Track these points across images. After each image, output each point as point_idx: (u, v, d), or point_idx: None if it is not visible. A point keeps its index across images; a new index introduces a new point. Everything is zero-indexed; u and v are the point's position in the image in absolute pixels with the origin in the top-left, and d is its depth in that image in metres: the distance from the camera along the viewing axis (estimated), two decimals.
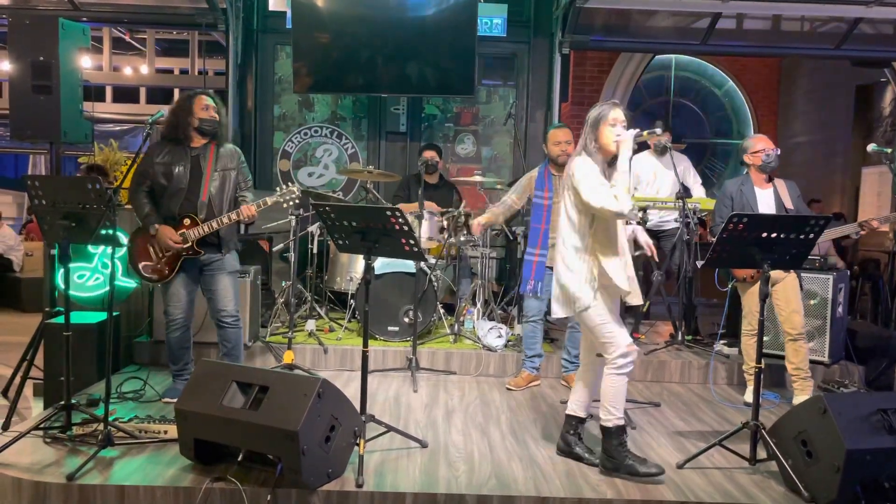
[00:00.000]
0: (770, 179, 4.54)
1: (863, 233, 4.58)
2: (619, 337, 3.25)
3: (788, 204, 4.46)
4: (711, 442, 3.53)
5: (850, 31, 6.76)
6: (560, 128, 4.72)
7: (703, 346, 5.55)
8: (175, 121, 4.11)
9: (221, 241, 4.15)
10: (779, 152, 4.53)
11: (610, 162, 3.26)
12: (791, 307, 4.44)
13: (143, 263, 4.13)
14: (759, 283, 4.43)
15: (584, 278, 3.24)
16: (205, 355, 4.55)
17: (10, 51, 4.63)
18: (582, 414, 3.51)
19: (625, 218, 3.21)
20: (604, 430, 3.31)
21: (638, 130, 3.25)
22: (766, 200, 4.49)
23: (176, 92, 11.00)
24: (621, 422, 3.29)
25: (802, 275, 4.72)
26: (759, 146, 4.48)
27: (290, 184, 4.24)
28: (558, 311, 3.35)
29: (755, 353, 3.63)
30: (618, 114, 3.25)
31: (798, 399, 4.35)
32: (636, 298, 3.33)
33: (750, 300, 4.52)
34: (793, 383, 4.51)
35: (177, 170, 4.06)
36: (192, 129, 4.11)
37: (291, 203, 4.19)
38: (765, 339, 4.66)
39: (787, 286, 4.45)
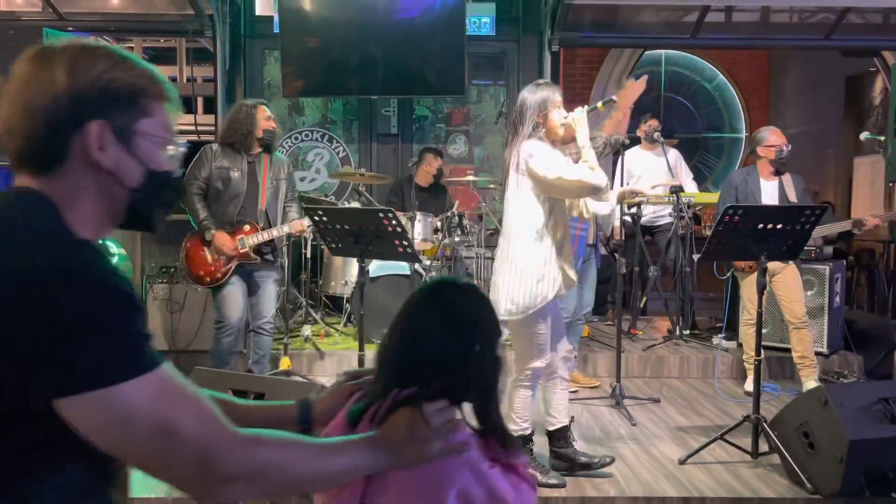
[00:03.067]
0: (777, 172, 4.54)
1: (863, 230, 4.54)
2: (546, 348, 3.11)
3: (792, 197, 4.47)
4: (713, 436, 3.51)
5: (838, 21, 6.75)
6: None
7: (702, 341, 5.53)
8: (238, 129, 4.13)
9: (274, 250, 4.24)
10: (790, 147, 4.53)
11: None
12: (792, 297, 4.46)
13: (197, 266, 4.12)
14: (755, 273, 4.44)
15: (540, 275, 3.02)
16: (199, 363, 4.50)
17: None
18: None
19: (601, 193, 3.04)
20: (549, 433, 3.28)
21: (587, 106, 3.10)
22: (770, 192, 4.50)
23: None
24: (523, 433, 3.15)
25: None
26: (773, 140, 4.49)
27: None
28: (503, 314, 3.05)
29: (755, 343, 3.61)
30: (560, 96, 3.12)
31: (808, 386, 4.35)
32: (570, 284, 3.19)
33: (749, 290, 4.51)
34: (799, 371, 4.51)
35: (234, 174, 4.09)
36: (254, 138, 4.14)
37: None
38: (765, 330, 4.66)
39: (786, 276, 4.47)
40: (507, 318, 3.07)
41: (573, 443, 3.31)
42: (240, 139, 4.13)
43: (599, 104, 3.19)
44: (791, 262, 4.42)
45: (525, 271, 3.04)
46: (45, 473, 0.96)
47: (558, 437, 3.30)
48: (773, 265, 4.42)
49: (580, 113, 3.06)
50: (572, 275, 3.14)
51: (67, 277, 0.93)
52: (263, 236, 4.10)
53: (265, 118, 4.15)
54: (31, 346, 0.90)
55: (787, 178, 4.56)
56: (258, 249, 4.14)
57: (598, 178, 2.93)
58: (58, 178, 1.03)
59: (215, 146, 4.17)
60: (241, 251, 4.07)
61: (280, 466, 1.05)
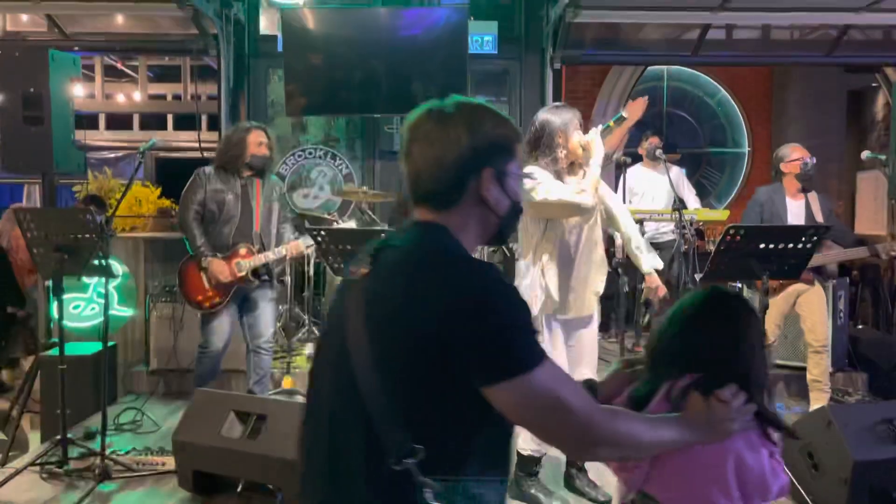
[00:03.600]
0: (803, 191, 4.42)
1: (892, 256, 4.38)
2: None
3: (819, 217, 4.33)
4: None
5: (840, 38, 6.77)
6: None
7: None
8: (229, 151, 4.13)
9: (270, 271, 4.17)
10: (814, 160, 4.44)
11: (569, 168, 3.17)
12: (815, 318, 4.36)
13: (195, 291, 4.07)
14: (782, 293, 4.37)
15: (529, 292, 3.11)
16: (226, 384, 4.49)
17: (1, 82, 4.63)
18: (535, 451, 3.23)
19: (585, 213, 3.09)
20: (517, 454, 3.20)
21: (601, 126, 3.15)
22: (796, 212, 4.37)
23: (170, 118, 11.01)
24: (531, 455, 3.18)
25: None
26: (795, 154, 4.38)
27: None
28: None
29: None
30: (579, 119, 3.16)
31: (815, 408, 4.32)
32: (572, 312, 3.18)
33: (772, 311, 4.35)
34: (811, 393, 4.47)
35: (228, 197, 4.06)
36: (243, 162, 4.10)
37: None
38: (779, 349, 4.65)
39: (811, 297, 4.36)
40: None
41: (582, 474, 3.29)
42: (231, 162, 4.10)
43: (612, 122, 3.24)
44: (817, 283, 4.33)
45: (522, 285, 3.17)
46: (475, 431, 1.26)
47: (569, 467, 3.33)
48: (798, 286, 4.32)
49: (594, 134, 3.10)
50: (556, 297, 3.11)
51: (494, 290, 1.24)
52: (260, 259, 4.05)
53: (257, 143, 4.09)
54: (473, 342, 1.20)
55: (813, 196, 4.43)
56: (255, 272, 4.09)
57: (583, 198, 3.00)
58: (452, 212, 1.34)
59: (208, 169, 4.14)
60: (239, 275, 4.02)
61: (631, 434, 1.33)
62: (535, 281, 3.12)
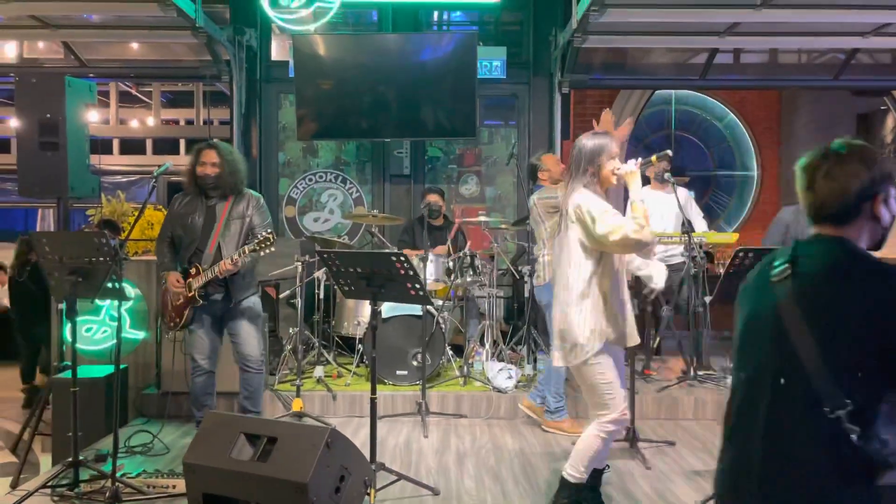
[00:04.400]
0: None
1: None
2: (617, 399, 3.02)
3: None
4: None
5: (847, 62, 6.81)
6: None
7: (716, 381, 5.48)
8: (187, 172, 4.24)
9: (230, 289, 4.18)
10: None
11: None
12: None
13: (163, 312, 4.26)
14: None
15: (590, 326, 3.01)
16: (219, 406, 4.51)
17: (18, 109, 4.71)
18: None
19: (646, 249, 3.02)
20: (562, 480, 3.11)
21: (641, 160, 3.14)
22: None
23: (182, 143, 11.14)
24: (580, 482, 3.09)
25: None
26: None
27: (264, 232, 4.04)
28: (558, 360, 3.12)
29: None
30: (616, 147, 3.14)
31: None
32: (633, 340, 3.13)
33: None
34: None
35: (191, 220, 4.16)
36: (193, 183, 4.21)
37: (269, 250, 4.06)
38: None
39: None
40: (563, 364, 3.10)
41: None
42: (188, 182, 4.22)
43: (654, 157, 3.19)
44: None
45: (574, 321, 3.04)
46: (883, 391, 1.60)
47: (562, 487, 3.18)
48: None
49: (633, 167, 3.08)
50: (620, 324, 3.06)
51: None
52: (201, 279, 4.08)
53: (201, 164, 4.14)
54: None
55: None
56: (205, 292, 4.12)
57: (644, 234, 2.92)
58: (849, 227, 1.75)
59: (181, 193, 4.27)
60: (189, 295, 4.10)
61: None
62: (598, 313, 3.04)
